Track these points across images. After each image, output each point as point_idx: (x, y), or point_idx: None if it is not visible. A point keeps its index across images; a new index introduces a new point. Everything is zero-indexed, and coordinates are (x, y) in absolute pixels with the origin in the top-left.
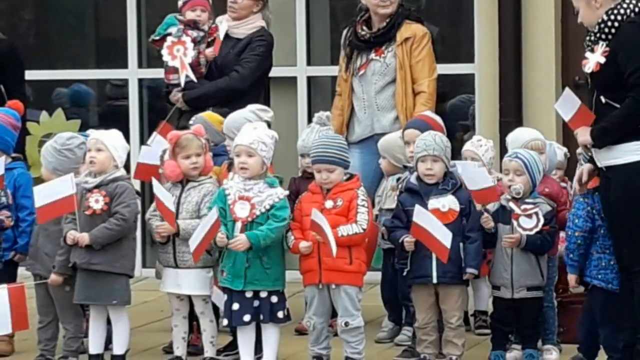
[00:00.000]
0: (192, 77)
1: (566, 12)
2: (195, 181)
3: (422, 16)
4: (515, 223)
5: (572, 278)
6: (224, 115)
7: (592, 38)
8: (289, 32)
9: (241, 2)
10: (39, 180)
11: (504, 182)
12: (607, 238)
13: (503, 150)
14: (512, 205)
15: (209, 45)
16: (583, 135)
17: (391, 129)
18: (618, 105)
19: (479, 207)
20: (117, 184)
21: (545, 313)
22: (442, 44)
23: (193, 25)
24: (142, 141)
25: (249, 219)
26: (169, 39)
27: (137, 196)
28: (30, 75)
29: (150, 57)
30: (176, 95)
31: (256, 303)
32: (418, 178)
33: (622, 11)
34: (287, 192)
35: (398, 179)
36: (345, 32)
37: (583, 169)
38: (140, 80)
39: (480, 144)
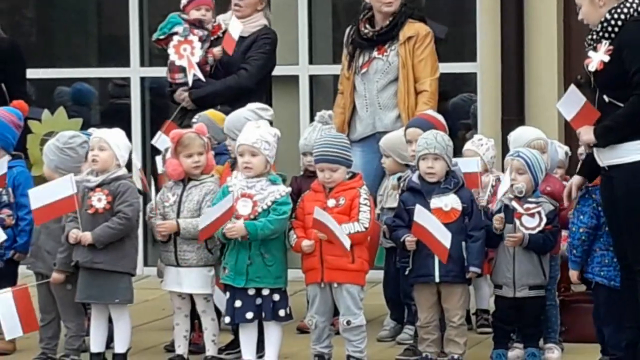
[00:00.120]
0: (201, 76)
1: (568, 11)
2: (197, 180)
3: (424, 15)
4: (517, 222)
5: (573, 274)
6: (227, 113)
7: (595, 37)
8: (291, 31)
9: (247, 0)
10: (41, 179)
11: (506, 181)
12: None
13: (505, 149)
14: (514, 204)
15: (212, 43)
16: (586, 134)
17: (393, 128)
18: (621, 104)
19: (481, 205)
20: (120, 182)
21: (547, 312)
22: (444, 43)
23: (198, 24)
24: (144, 139)
25: (251, 217)
26: (175, 38)
27: (139, 194)
28: (32, 73)
29: (153, 55)
30: (182, 95)
31: (258, 301)
32: (420, 177)
33: (625, 10)
34: (289, 189)
35: (399, 178)
36: (348, 30)
37: (572, 183)
38: (143, 79)
39: (481, 143)
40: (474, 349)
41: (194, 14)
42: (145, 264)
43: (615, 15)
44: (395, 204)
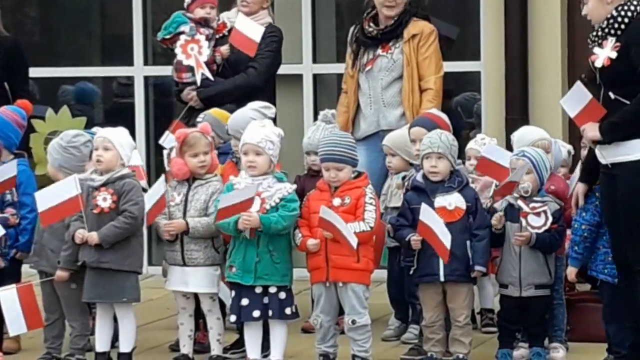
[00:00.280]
0: (209, 75)
1: (572, 9)
2: (202, 179)
3: (428, 14)
4: (524, 221)
5: (571, 271)
6: (231, 112)
7: (600, 33)
8: (295, 30)
9: None
10: (45, 178)
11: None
12: None
13: (509, 147)
14: (520, 203)
15: (217, 42)
16: (591, 130)
17: (397, 125)
18: (627, 102)
19: (485, 205)
20: (124, 181)
21: (555, 311)
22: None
23: (204, 22)
24: (148, 138)
25: (260, 213)
26: (182, 37)
27: (144, 193)
28: (36, 72)
29: (156, 54)
30: (190, 94)
31: (265, 300)
32: (424, 176)
33: (632, 7)
34: (295, 186)
35: (404, 177)
36: (352, 29)
37: (577, 191)
38: (146, 78)
39: (483, 142)
40: (479, 348)
41: (199, 13)
42: (150, 263)
43: (622, 13)
44: (399, 204)
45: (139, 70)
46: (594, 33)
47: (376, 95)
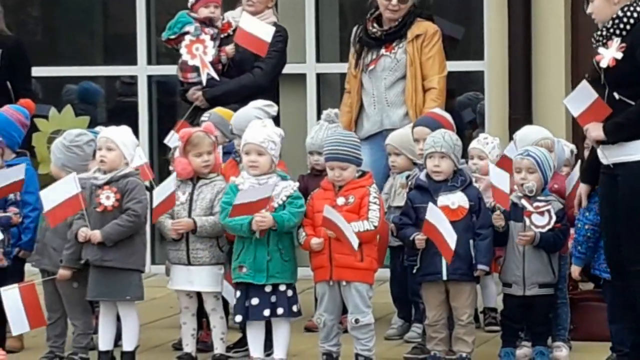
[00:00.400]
0: (215, 75)
1: (576, 8)
2: (206, 178)
3: (432, 14)
4: (527, 220)
5: (575, 270)
6: (235, 111)
7: (604, 33)
8: (299, 29)
9: None
10: (48, 177)
11: (517, 180)
12: None
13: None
14: (524, 202)
15: (222, 41)
16: (595, 130)
17: (401, 125)
18: (632, 102)
19: (489, 204)
20: (128, 180)
21: (558, 310)
22: (459, 43)
23: (209, 22)
24: (152, 137)
25: (270, 212)
26: (187, 37)
27: (147, 192)
28: (39, 72)
29: (160, 53)
30: (196, 94)
31: (273, 298)
32: (427, 175)
33: (638, 9)
34: (298, 184)
35: (407, 177)
36: (355, 29)
37: (580, 192)
38: (150, 77)
39: (486, 142)
40: (482, 347)
41: (203, 12)
42: (153, 262)
43: (628, 13)
44: (402, 203)
45: (142, 70)
46: (599, 32)
47: (380, 95)
